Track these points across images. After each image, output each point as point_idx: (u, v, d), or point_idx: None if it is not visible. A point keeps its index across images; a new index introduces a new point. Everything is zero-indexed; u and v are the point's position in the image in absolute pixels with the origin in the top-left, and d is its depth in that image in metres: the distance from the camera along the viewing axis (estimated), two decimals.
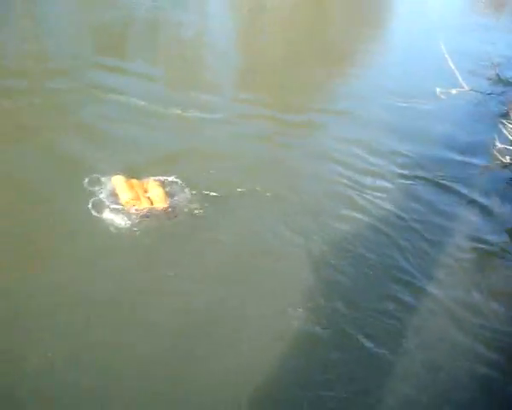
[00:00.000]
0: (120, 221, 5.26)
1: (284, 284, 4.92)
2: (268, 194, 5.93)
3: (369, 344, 4.42)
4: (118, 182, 5.60)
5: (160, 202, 5.51)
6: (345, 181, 6.38)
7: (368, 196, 6.15)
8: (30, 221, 5.17)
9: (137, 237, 5.17)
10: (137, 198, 5.46)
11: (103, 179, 5.69)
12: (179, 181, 5.85)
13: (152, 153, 6.44)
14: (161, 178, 5.84)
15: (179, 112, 7.51)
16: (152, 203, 5.50)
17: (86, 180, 5.67)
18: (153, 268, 4.90)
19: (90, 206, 5.35)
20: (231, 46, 11.17)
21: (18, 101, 7.27)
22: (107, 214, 5.30)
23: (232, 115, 7.64)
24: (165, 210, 5.50)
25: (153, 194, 5.57)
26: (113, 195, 5.50)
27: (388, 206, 6.05)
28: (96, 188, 5.60)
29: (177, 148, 6.68)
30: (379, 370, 4.26)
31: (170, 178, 5.85)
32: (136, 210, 5.39)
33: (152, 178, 5.81)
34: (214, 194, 5.75)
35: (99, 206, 5.38)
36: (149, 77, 8.67)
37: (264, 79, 9.42)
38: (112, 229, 5.19)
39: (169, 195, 5.64)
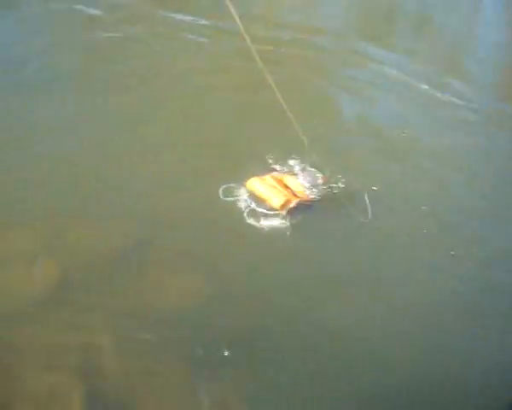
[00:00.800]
0: (282, 225, 5.48)
1: None
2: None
3: None
4: (256, 185, 5.66)
5: (302, 193, 5.69)
6: None
7: None
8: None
9: (308, 234, 5.48)
10: (287, 196, 5.58)
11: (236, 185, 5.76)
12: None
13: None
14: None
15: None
16: (296, 196, 5.67)
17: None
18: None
19: (246, 219, 5.49)
20: (503, 41, 10.41)
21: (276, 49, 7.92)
22: (266, 222, 5.49)
23: (480, 114, 7.41)
24: (311, 200, 5.69)
25: (292, 186, 5.72)
26: (260, 200, 5.62)
27: None
28: (239, 196, 5.69)
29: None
30: None
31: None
32: (291, 208, 5.56)
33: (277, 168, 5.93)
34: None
35: (254, 216, 5.54)
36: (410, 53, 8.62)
37: None
38: (281, 235, 5.42)
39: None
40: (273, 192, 5.61)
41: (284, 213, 5.52)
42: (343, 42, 8.55)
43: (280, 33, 8.45)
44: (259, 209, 5.57)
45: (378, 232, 5.49)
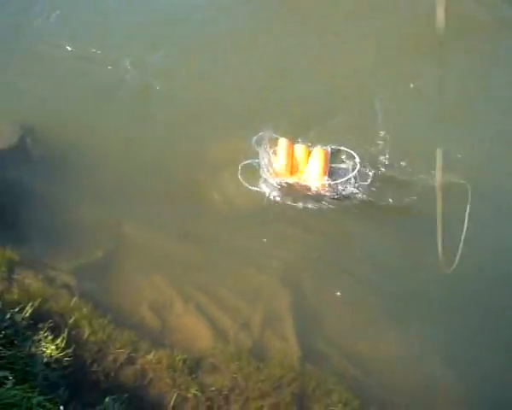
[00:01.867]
0: (265, 189, 4.81)
1: None
2: None
3: None
4: (280, 145, 4.95)
5: (316, 179, 4.80)
6: None
7: None
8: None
9: (274, 212, 4.76)
10: (290, 169, 4.84)
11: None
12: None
13: None
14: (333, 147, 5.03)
15: None
16: (305, 178, 4.83)
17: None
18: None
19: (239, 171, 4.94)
20: None
21: None
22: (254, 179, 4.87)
23: None
24: (318, 190, 4.80)
25: (310, 166, 4.85)
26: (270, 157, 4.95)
27: None
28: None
29: None
30: None
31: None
32: (286, 182, 4.82)
33: (319, 146, 5.00)
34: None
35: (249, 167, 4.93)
36: None
37: None
38: (253, 195, 4.82)
39: (332, 172, 4.87)
40: (283, 156, 4.85)
41: (277, 180, 4.82)
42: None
43: None
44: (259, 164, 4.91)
45: None
